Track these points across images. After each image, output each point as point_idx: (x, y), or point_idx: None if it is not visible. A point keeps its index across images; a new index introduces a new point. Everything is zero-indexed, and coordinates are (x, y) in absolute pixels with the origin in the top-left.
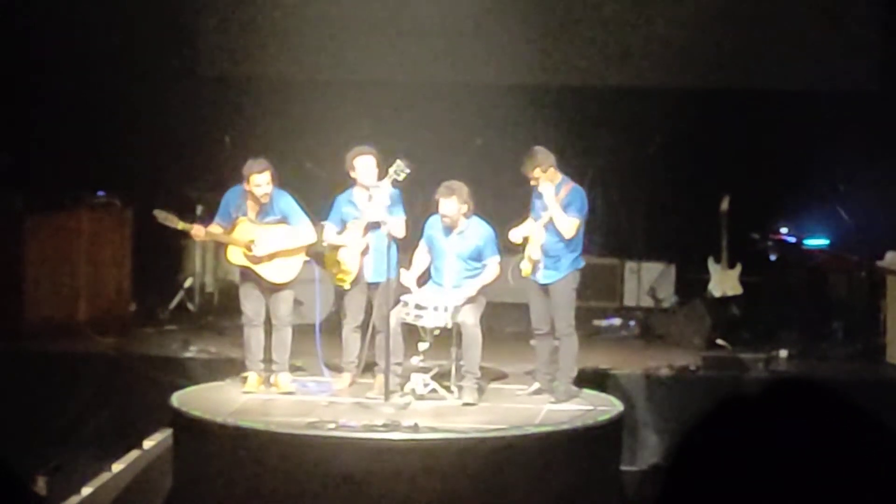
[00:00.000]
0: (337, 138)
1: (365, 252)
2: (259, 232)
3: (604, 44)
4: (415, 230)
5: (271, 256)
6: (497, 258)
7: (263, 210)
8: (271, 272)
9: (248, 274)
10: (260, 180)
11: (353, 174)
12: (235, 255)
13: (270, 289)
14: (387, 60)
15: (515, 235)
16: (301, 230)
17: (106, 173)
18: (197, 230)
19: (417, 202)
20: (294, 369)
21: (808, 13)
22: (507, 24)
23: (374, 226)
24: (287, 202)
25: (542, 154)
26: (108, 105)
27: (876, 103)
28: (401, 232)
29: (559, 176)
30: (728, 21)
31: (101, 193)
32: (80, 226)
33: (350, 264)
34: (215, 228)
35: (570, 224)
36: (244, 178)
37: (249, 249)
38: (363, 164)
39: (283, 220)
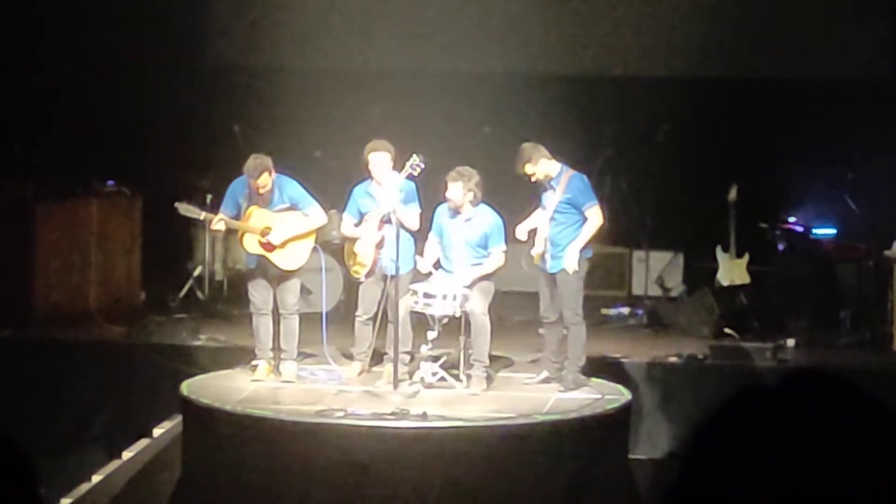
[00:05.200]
0: (347, 128)
1: (380, 245)
2: (274, 219)
3: (613, 33)
4: (425, 221)
5: (284, 244)
6: (502, 247)
7: (270, 200)
8: (283, 260)
9: (255, 263)
10: (260, 182)
11: (369, 167)
12: (251, 244)
13: (278, 278)
14: (396, 50)
15: (521, 231)
16: (312, 214)
17: (116, 162)
18: (217, 220)
19: (426, 192)
20: (304, 356)
21: (817, 3)
22: (516, 14)
23: (389, 218)
24: (294, 188)
25: (530, 149)
26: (118, 94)
27: (884, 93)
28: (415, 224)
29: (557, 166)
30: (737, 11)
31: (110, 182)
32: (90, 214)
33: (365, 256)
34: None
35: (594, 217)
36: (247, 176)
37: (265, 237)
38: (376, 160)
39: (293, 206)
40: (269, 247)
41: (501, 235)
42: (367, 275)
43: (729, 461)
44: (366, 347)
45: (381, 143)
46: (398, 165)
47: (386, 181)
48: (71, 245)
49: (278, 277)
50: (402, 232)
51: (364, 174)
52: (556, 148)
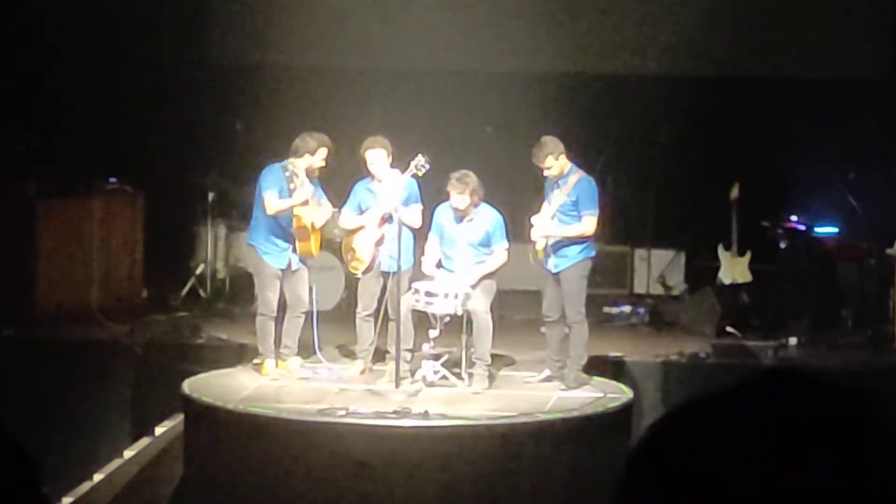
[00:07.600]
0: (348, 126)
1: (380, 242)
2: (314, 205)
3: (614, 32)
4: (425, 220)
5: (317, 232)
6: (505, 244)
7: (313, 183)
8: (314, 246)
9: (268, 262)
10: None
11: (366, 165)
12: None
13: (293, 274)
14: (398, 49)
15: (536, 235)
16: (324, 204)
17: (118, 160)
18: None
19: (427, 192)
20: (307, 354)
21: (817, 3)
22: (517, 12)
23: (390, 216)
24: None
25: (553, 142)
26: (120, 92)
27: (886, 91)
28: (417, 222)
29: (568, 165)
30: (738, 9)
31: (112, 180)
32: (92, 212)
33: (364, 252)
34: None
35: (588, 224)
36: (315, 152)
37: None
38: (373, 157)
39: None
40: (313, 230)
41: (503, 232)
42: (365, 271)
43: (727, 459)
44: (367, 345)
45: (376, 139)
46: (402, 164)
47: (385, 178)
48: (73, 243)
49: (293, 274)
50: (404, 229)
51: (365, 172)
52: None
